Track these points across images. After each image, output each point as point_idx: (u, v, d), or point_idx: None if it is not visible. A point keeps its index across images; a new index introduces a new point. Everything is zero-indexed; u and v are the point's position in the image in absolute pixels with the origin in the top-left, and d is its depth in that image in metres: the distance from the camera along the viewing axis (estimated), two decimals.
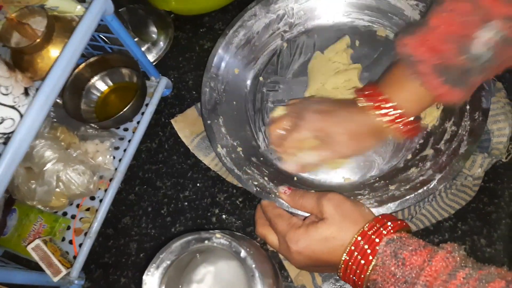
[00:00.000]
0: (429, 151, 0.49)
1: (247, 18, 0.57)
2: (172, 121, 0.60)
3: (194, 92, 0.63)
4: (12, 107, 0.40)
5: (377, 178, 0.50)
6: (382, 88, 0.44)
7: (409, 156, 0.50)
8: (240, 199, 0.56)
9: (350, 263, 0.37)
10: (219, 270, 0.48)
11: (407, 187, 0.46)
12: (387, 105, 0.43)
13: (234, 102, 0.57)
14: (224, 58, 0.56)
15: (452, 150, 0.46)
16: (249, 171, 0.50)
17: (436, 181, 0.45)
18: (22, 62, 0.46)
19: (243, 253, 0.39)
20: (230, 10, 0.67)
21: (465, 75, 0.39)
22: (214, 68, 0.55)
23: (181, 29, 0.68)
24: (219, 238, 0.40)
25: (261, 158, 0.54)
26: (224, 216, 0.55)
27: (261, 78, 0.59)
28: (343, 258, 0.38)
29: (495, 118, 0.49)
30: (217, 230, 0.41)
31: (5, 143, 0.42)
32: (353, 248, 0.37)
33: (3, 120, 0.40)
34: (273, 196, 0.47)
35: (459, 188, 0.49)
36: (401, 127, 0.43)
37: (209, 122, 0.53)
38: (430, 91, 0.41)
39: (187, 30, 0.68)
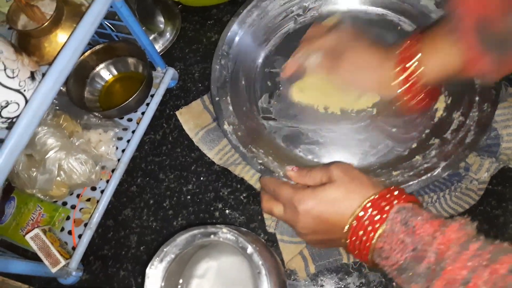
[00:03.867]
0: (435, 141, 0.49)
1: None
2: (177, 113, 0.59)
3: (200, 85, 0.62)
4: (18, 91, 0.39)
5: (381, 165, 0.50)
6: (422, 43, 0.43)
7: (415, 145, 0.50)
8: (244, 195, 0.55)
9: (357, 229, 0.36)
10: (222, 266, 0.47)
11: (411, 173, 0.46)
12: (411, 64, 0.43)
13: (243, 82, 0.57)
14: (236, 37, 0.57)
15: (459, 139, 0.46)
16: (254, 149, 0.50)
17: (440, 168, 0.45)
18: (28, 45, 0.45)
19: (249, 249, 0.38)
20: (239, 2, 0.65)
21: (504, 43, 0.38)
22: (226, 46, 0.56)
23: (188, 21, 0.67)
24: (225, 233, 0.39)
25: (266, 139, 0.54)
26: (227, 211, 0.55)
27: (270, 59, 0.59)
28: (349, 222, 0.37)
29: (506, 124, 0.48)
30: (223, 225, 0.40)
31: (8, 128, 0.41)
32: (361, 213, 0.36)
33: (7, 103, 0.39)
34: (276, 175, 0.47)
35: (463, 191, 0.49)
36: (413, 88, 0.43)
37: (217, 99, 0.53)
38: (463, 50, 0.40)
39: (195, 22, 0.67)
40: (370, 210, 0.36)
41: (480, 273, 0.29)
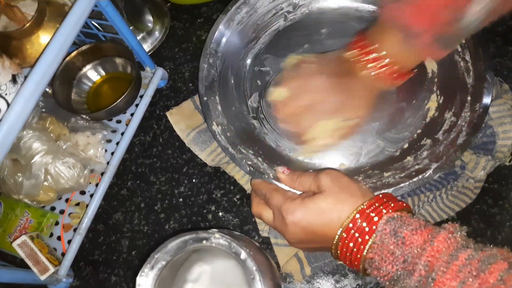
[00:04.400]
0: (426, 141, 0.48)
1: None
2: (168, 113, 0.58)
3: (190, 84, 0.61)
4: None
5: (372, 166, 0.49)
6: (370, 37, 0.43)
7: (406, 146, 0.49)
8: (237, 196, 0.54)
9: (346, 241, 0.36)
10: (216, 270, 0.46)
11: (402, 175, 0.46)
12: (374, 55, 0.42)
13: (232, 81, 0.56)
14: (225, 35, 0.55)
15: (450, 140, 0.46)
16: (243, 150, 0.49)
17: (432, 170, 0.44)
18: (9, 47, 0.44)
19: (243, 255, 0.37)
20: (229, 0, 0.65)
21: (456, 39, 0.42)
22: (214, 44, 0.54)
23: (177, 19, 0.66)
24: (218, 238, 0.38)
25: (256, 139, 0.53)
26: (220, 214, 0.54)
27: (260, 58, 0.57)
28: (338, 234, 0.36)
29: (501, 120, 0.48)
30: (215, 229, 0.39)
31: None
32: (351, 225, 0.36)
33: None
34: (266, 176, 0.46)
35: (460, 190, 0.48)
36: (388, 74, 0.43)
37: (205, 98, 0.51)
38: (423, 53, 0.42)
39: (184, 20, 0.66)
40: (359, 221, 0.36)
41: (470, 284, 0.28)
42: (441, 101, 0.50)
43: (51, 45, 0.38)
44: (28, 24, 0.42)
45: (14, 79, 0.39)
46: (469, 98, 0.47)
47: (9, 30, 0.42)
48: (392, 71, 0.43)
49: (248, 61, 0.58)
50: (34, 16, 0.42)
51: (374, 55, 0.42)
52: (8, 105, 0.38)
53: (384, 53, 0.42)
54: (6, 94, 0.38)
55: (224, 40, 0.55)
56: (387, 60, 0.42)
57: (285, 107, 0.48)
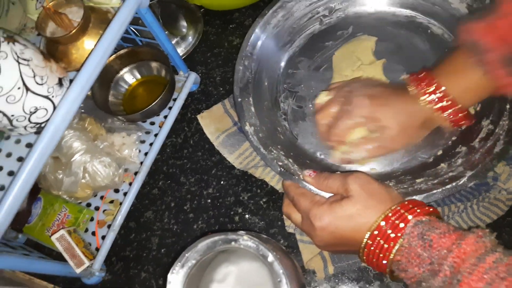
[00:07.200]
0: (461, 148, 0.47)
1: None
2: (198, 117, 0.60)
3: (221, 89, 0.63)
4: (46, 97, 0.40)
5: (404, 171, 0.49)
6: (436, 73, 0.43)
7: (440, 152, 0.49)
8: (264, 200, 0.55)
9: (372, 247, 0.36)
10: (242, 271, 0.47)
11: (435, 181, 0.45)
12: (438, 91, 0.42)
13: (266, 83, 0.57)
14: (261, 38, 0.56)
15: (487, 148, 0.45)
16: (274, 151, 0.50)
17: (466, 178, 0.43)
18: (56, 52, 0.46)
19: (270, 258, 0.38)
20: (261, 6, 0.66)
21: None
22: (250, 46, 0.55)
23: (210, 24, 0.67)
24: (246, 240, 0.39)
25: (288, 141, 0.54)
26: (247, 216, 0.55)
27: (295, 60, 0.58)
28: (365, 241, 0.37)
29: None
30: (243, 232, 0.40)
31: (37, 133, 0.43)
32: (376, 232, 0.36)
33: (36, 109, 0.40)
34: (296, 177, 0.47)
35: (491, 201, 0.47)
36: (451, 116, 0.42)
37: (239, 100, 0.53)
38: (494, 81, 0.39)
39: (217, 26, 0.67)
40: (384, 228, 0.36)
41: (496, 285, 0.28)
42: (478, 109, 0.49)
43: (95, 51, 0.40)
44: (74, 30, 0.44)
45: (60, 82, 0.41)
46: (507, 106, 0.46)
47: (56, 36, 0.45)
48: (455, 111, 0.42)
49: (282, 63, 0.59)
50: (80, 22, 0.44)
51: (437, 91, 0.42)
52: (55, 106, 0.41)
53: (445, 89, 0.42)
54: (53, 97, 0.40)
55: (259, 43, 0.56)
56: (450, 98, 0.42)
57: (326, 108, 0.49)
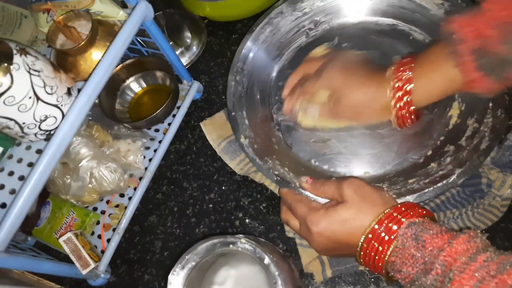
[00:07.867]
0: (449, 147, 0.49)
1: (273, 15, 0.59)
2: (201, 124, 0.62)
3: (223, 97, 0.65)
4: (56, 106, 0.42)
5: (397, 173, 0.50)
6: (416, 61, 0.44)
7: (430, 153, 0.50)
8: (264, 205, 0.56)
9: (368, 250, 0.38)
10: (241, 274, 0.48)
11: (426, 181, 0.46)
12: (407, 86, 0.44)
13: (258, 96, 0.59)
14: (250, 53, 0.59)
15: (473, 146, 0.46)
16: (270, 161, 0.52)
17: (455, 175, 0.45)
18: (65, 63, 0.49)
19: (266, 260, 0.39)
20: None
21: (502, 66, 0.38)
22: (240, 62, 0.58)
23: (214, 35, 0.70)
24: (244, 243, 0.41)
25: (282, 150, 0.55)
26: (247, 220, 0.56)
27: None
28: (360, 245, 0.38)
29: None
30: (242, 235, 0.42)
31: (46, 139, 0.45)
32: (370, 235, 0.37)
33: (46, 117, 0.42)
34: (292, 185, 0.48)
35: (486, 208, 0.48)
36: (400, 111, 0.45)
37: (233, 113, 0.55)
38: (462, 74, 0.40)
39: (220, 36, 0.69)
40: (378, 231, 0.37)
41: (487, 283, 0.29)
42: (463, 108, 0.51)
43: (101, 63, 0.42)
44: (82, 43, 0.46)
45: (69, 92, 0.44)
46: (490, 104, 0.47)
47: (66, 47, 0.48)
48: (410, 111, 0.45)
49: (273, 76, 0.61)
50: (88, 35, 0.47)
51: (405, 86, 0.44)
52: (63, 114, 0.43)
53: (412, 86, 0.44)
54: (62, 105, 0.42)
55: (249, 58, 0.59)
56: (411, 96, 0.44)
57: (298, 72, 0.54)
